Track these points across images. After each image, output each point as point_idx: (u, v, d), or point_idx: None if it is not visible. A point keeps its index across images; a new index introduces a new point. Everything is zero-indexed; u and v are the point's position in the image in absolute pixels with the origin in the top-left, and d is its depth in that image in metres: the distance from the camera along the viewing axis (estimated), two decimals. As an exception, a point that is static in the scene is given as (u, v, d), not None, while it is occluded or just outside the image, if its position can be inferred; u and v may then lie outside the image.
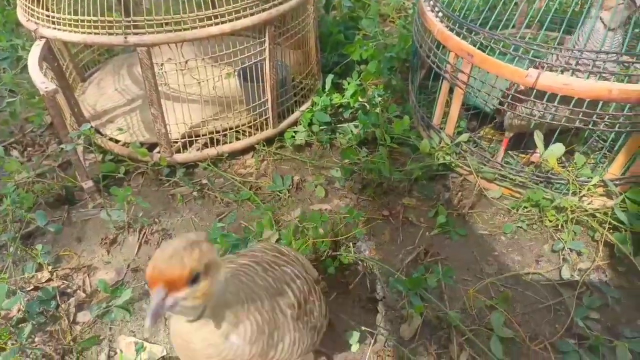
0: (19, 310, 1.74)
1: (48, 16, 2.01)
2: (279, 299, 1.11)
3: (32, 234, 2.05)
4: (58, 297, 1.77)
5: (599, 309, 1.71)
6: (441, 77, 2.19)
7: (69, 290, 1.82)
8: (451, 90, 2.16)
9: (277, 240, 1.96)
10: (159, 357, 1.63)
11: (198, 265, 0.81)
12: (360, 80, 2.55)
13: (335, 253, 1.86)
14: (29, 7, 2.09)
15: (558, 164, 1.97)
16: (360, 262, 1.89)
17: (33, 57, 1.99)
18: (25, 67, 2.87)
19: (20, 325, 1.68)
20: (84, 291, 1.83)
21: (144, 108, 2.62)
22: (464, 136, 2.16)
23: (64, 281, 1.85)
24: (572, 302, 1.73)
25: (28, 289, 1.80)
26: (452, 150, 2.19)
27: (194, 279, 0.81)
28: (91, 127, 2.11)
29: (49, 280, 1.84)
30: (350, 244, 1.92)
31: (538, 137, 1.92)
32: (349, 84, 2.53)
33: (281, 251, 1.32)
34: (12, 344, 1.57)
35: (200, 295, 0.83)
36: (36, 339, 1.66)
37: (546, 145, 1.93)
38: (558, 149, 1.89)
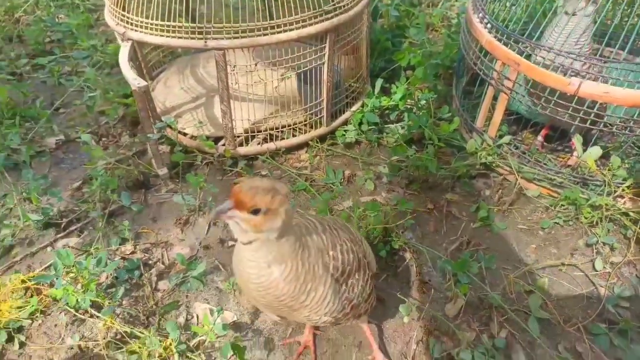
0: (107, 277, 1.99)
1: (137, 21, 2.28)
2: (319, 257, 1.26)
3: (113, 213, 2.31)
4: (142, 267, 2.02)
5: (629, 299, 1.87)
6: (486, 84, 2.38)
7: (150, 262, 2.07)
8: (495, 97, 2.34)
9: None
10: (230, 321, 1.85)
11: (262, 205, 1.06)
12: (407, 85, 2.75)
13: (386, 239, 2.07)
14: (118, 12, 2.36)
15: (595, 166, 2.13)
16: (407, 248, 2.09)
17: (123, 57, 2.27)
18: (102, 65, 3.19)
19: (110, 290, 1.94)
20: (163, 263, 2.08)
21: (208, 105, 2.88)
22: (506, 138, 2.34)
23: (145, 254, 2.11)
24: (604, 291, 1.89)
25: (115, 259, 2.05)
26: (494, 151, 2.37)
27: (255, 211, 1.06)
28: (172, 120, 2.37)
29: (133, 252, 2.10)
30: (400, 232, 2.12)
31: (577, 140, 2.08)
32: (397, 87, 2.74)
33: (349, 229, 1.52)
34: (109, 303, 1.82)
35: (252, 225, 1.08)
36: (124, 302, 1.91)
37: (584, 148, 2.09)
38: (596, 151, 2.06)
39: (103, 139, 2.85)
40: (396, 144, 2.58)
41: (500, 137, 2.40)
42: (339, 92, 2.70)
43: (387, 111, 2.83)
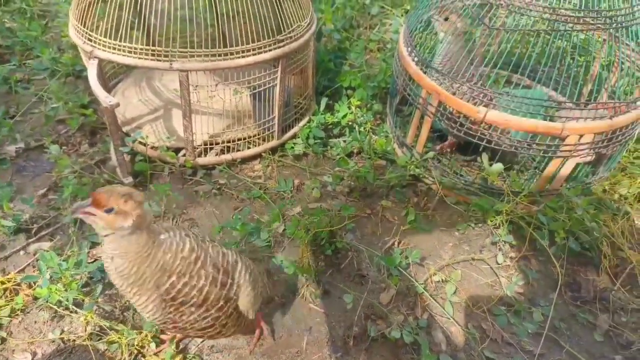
0: (81, 277, 2.20)
1: (104, 41, 2.48)
2: (165, 277, 1.45)
3: (78, 220, 2.50)
4: (114, 268, 2.24)
5: (523, 286, 2.35)
6: (414, 106, 2.80)
7: (121, 263, 2.29)
8: (422, 117, 2.77)
9: (283, 231, 2.52)
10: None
11: (114, 205, 1.30)
12: (348, 104, 3.13)
13: (331, 240, 2.43)
14: (86, 32, 2.55)
15: (499, 177, 2.62)
16: (349, 248, 2.46)
17: (92, 75, 2.46)
18: (58, 76, 3.29)
19: (84, 289, 2.15)
20: (133, 264, 2.30)
21: (166, 117, 3.11)
22: (430, 154, 2.77)
23: (116, 256, 2.32)
24: (504, 280, 2.36)
25: (89, 261, 2.25)
26: (421, 164, 2.80)
27: (108, 210, 1.30)
28: (141, 134, 2.59)
29: (104, 254, 2.31)
30: (343, 234, 2.49)
31: (484, 158, 2.55)
32: (340, 106, 3.12)
33: (229, 271, 1.61)
34: (89, 300, 2.04)
35: (105, 221, 1.32)
36: (99, 299, 2.13)
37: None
38: (498, 167, 2.53)
39: (63, 147, 2.99)
40: (339, 156, 2.95)
41: (426, 152, 2.84)
42: (288, 109, 3.03)
43: (330, 126, 3.20)
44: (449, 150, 3.02)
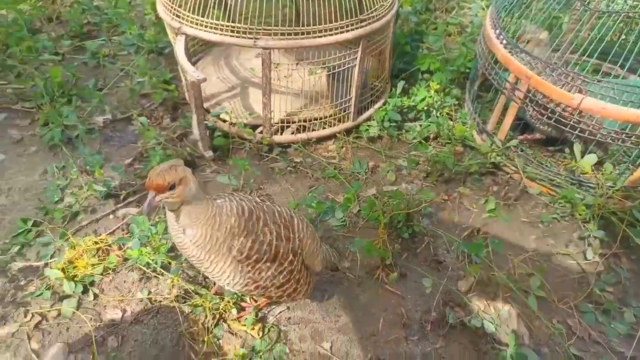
0: (167, 242, 2.27)
1: (192, 18, 2.53)
2: (235, 239, 1.51)
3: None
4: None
5: (613, 285, 2.21)
6: (499, 92, 2.69)
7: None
8: (506, 103, 2.65)
9: (358, 212, 2.50)
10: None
11: (174, 179, 1.35)
12: (427, 88, 3.05)
13: (408, 223, 2.38)
14: (174, 9, 2.61)
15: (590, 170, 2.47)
16: (426, 233, 2.40)
17: (180, 51, 2.53)
18: (144, 53, 3.41)
19: (170, 254, 2.22)
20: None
21: (243, 95, 3.16)
22: (514, 142, 2.66)
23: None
24: (593, 277, 2.23)
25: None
26: (503, 152, 2.69)
27: (172, 187, 1.36)
28: (224, 109, 2.64)
29: (187, 223, 2.39)
30: (419, 218, 2.44)
31: (576, 148, 2.41)
32: (418, 90, 3.04)
33: (288, 226, 1.67)
34: (175, 264, 2.12)
35: (176, 196, 1.38)
36: (184, 264, 2.20)
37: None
38: (591, 158, 2.39)
39: (147, 120, 3.10)
40: (415, 140, 2.89)
41: (509, 140, 2.72)
42: (365, 90, 3.00)
43: (406, 110, 3.13)
44: (533, 140, 2.87)
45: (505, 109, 2.70)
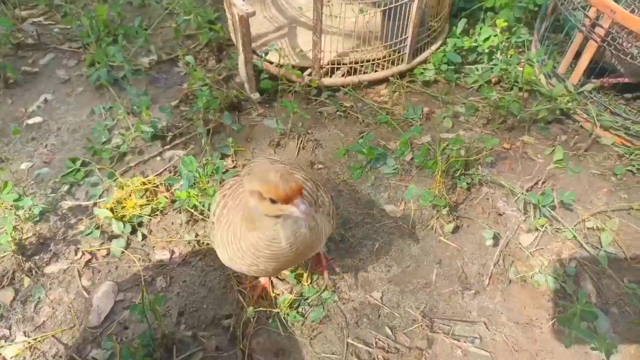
0: (215, 185, 2.21)
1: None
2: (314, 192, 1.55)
3: (212, 131, 2.51)
4: (243, 180, 2.24)
5: (695, 244, 2.01)
6: (574, 30, 2.41)
7: (249, 177, 2.29)
8: (583, 42, 2.38)
9: (411, 159, 2.36)
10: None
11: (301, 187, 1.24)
12: (491, 27, 2.79)
13: (466, 172, 2.23)
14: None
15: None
16: (485, 183, 2.24)
17: (229, -17, 2.38)
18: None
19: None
20: (260, 179, 2.29)
21: (290, 35, 2.99)
22: (589, 85, 2.40)
23: (244, 169, 2.32)
24: (672, 235, 2.03)
25: (223, 171, 2.25)
26: (574, 98, 2.44)
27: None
28: (275, 46, 2.50)
29: (234, 167, 2.32)
30: (478, 167, 2.28)
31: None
32: (482, 28, 2.79)
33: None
34: (221, 207, 2.07)
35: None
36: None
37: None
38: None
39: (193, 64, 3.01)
40: (475, 84, 2.67)
41: (582, 85, 2.46)
42: (422, 30, 2.77)
43: (465, 51, 2.89)
44: (611, 86, 2.59)
45: (579, 51, 2.43)
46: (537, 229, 2.03)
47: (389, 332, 1.77)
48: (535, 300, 1.85)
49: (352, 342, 1.73)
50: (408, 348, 1.72)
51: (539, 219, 2.01)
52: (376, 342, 1.74)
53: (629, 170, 2.28)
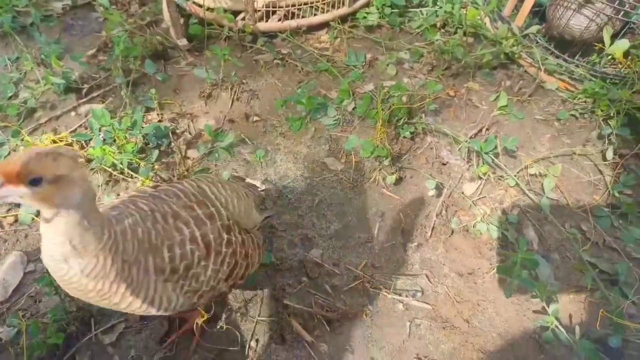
0: (136, 142, 2.01)
1: None
2: (149, 256, 1.07)
3: (134, 82, 2.26)
4: (170, 135, 2.04)
5: (632, 187, 2.00)
6: (520, -32, 2.29)
7: (177, 132, 2.10)
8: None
9: (353, 109, 2.22)
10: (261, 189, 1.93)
11: (42, 172, 0.85)
12: (435, -34, 2.63)
13: (409, 121, 2.12)
14: None
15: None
16: (429, 131, 2.15)
17: None
18: None
19: (140, 155, 1.97)
20: (190, 133, 2.10)
21: (222, -24, 2.72)
22: (534, 28, 2.32)
23: (172, 123, 2.12)
24: (610, 179, 2.02)
25: (144, 125, 2.05)
26: (520, 41, 2.35)
27: (34, 181, 0.85)
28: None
29: (159, 121, 2.11)
30: (422, 115, 2.17)
31: (607, 32, 2.08)
32: (425, -32, 2.63)
33: (203, 201, 1.22)
34: (144, 165, 1.87)
35: (39, 199, 0.87)
36: (155, 167, 1.96)
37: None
38: (623, 44, 2.07)
39: (112, 6, 2.70)
40: (421, 28, 2.53)
41: (527, 27, 2.37)
42: (364, -31, 2.58)
43: (408, -6, 2.73)
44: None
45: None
46: (479, 177, 1.97)
47: (329, 290, 1.68)
48: (478, 250, 1.80)
49: (290, 302, 1.63)
50: (348, 306, 1.63)
51: (481, 166, 1.94)
52: (315, 302, 1.64)
53: (572, 115, 2.24)
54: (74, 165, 0.90)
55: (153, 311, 1.12)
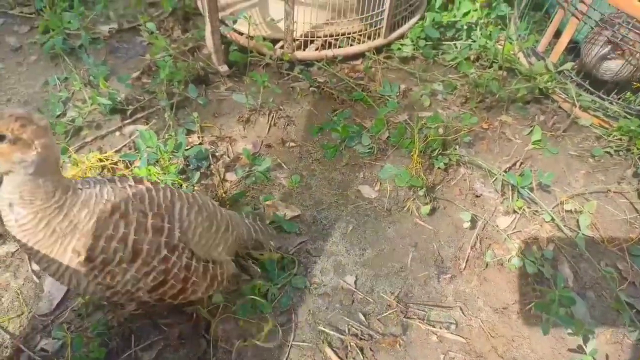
0: (177, 163, 2.07)
1: None
2: (75, 236, 1.13)
3: (176, 105, 2.33)
4: (210, 158, 2.10)
5: (670, 227, 1.99)
6: (556, 6, 2.33)
7: (216, 154, 2.16)
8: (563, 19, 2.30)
9: (387, 138, 2.26)
10: (293, 215, 1.97)
11: (6, 131, 0.98)
12: (470, 1, 2.69)
13: (443, 152, 2.14)
14: None
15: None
16: (462, 163, 2.17)
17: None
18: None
19: (181, 176, 2.03)
20: (229, 156, 2.16)
21: (262, 5, 2.82)
22: (569, 64, 2.34)
23: (211, 146, 2.18)
24: (647, 218, 2.01)
25: (187, 147, 2.11)
26: (554, 77, 2.38)
27: None
28: (244, 14, 2.34)
29: (200, 144, 2.18)
30: (456, 147, 2.20)
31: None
32: (460, 3, 2.68)
33: (161, 214, 1.25)
34: (186, 185, 1.93)
35: None
36: (195, 188, 2.01)
37: None
38: (660, 84, 2.08)
39: (155, 32, 2.81)
40: (455, 61, 2.58)
41: (562, 64, 2.40)
42: (400, 2, 2.65)
43: (444, 27, 2.78)
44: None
45: (559, 29, 2.36)
46: (514, 212, 1.97)
47: (362, 318, 1.69)
48: (512, 285, 1.80)
49: (324, 329, 1.64)
50: (382, 334, 1.64)
51: (516, 200, 1.95)
52: (349, 329, 1.66)
53: (606, 152, 2.24)
54: (40, 133, 1.02)
55: (65, 283, 1.21)
